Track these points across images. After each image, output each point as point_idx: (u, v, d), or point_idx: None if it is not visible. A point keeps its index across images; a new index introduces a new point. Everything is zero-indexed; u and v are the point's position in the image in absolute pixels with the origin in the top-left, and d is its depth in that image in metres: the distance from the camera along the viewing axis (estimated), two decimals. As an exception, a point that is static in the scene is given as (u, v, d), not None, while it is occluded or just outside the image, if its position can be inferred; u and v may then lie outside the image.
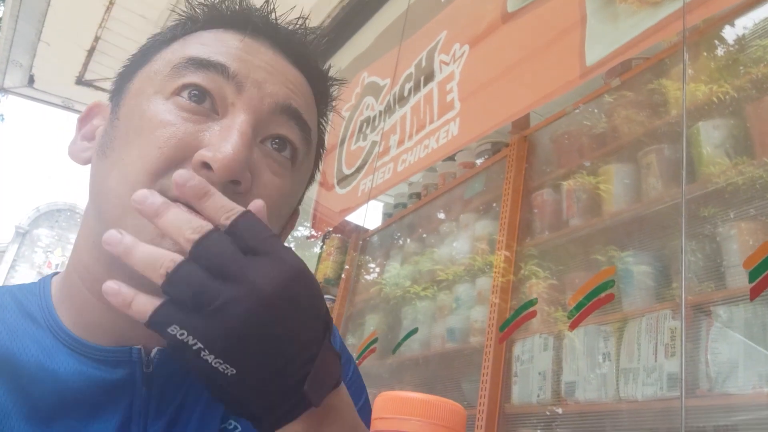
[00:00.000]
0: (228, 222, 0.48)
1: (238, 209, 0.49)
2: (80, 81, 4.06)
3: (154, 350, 0.61)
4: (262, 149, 0.60)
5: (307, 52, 0.67)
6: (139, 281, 0.57)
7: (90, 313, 0.61)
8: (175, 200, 0.53)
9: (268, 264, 0.46)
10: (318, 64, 0.69)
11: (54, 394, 0.57)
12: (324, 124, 0.73)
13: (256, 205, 0.51)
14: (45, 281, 0.66)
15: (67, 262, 0.65)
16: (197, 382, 0.49)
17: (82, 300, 0.61)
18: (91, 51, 3.74)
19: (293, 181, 0.64)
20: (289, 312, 0.46)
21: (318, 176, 3.07)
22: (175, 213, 0.48)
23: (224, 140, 0.55)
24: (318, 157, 0.74)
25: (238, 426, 0.64)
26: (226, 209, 0.48)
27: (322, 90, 0.69)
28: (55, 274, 0.68)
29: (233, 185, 0.56)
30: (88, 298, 0.61)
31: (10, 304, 0.62)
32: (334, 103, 0.74)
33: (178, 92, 0.58)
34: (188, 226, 0.47)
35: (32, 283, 0.67)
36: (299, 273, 0.47)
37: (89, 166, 0.64)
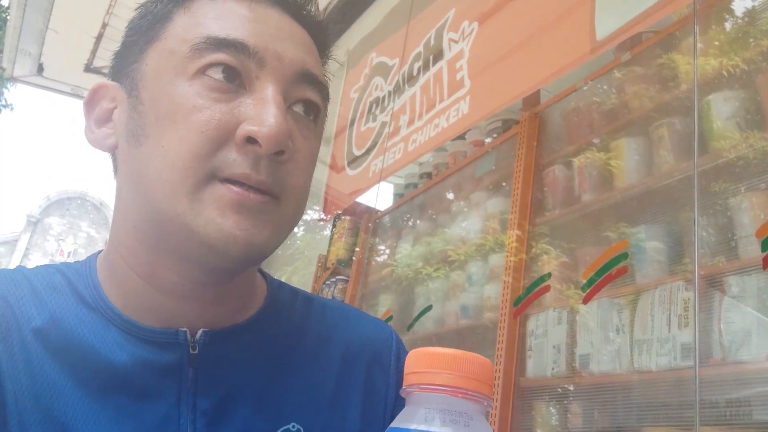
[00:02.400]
0: None
1: None
2: (89, 68, 4.08)
3: (199, 332, 0.62)
4: (292, 115, 0.62)
5: (307, 5, 0.67)
6: (181, 263, 0.59)
7: (137, 295, 0.62)
8: (225, 180, 0.56)
9: None
10: (317, 16, 0.69)
11: (105, 373, 0.59)
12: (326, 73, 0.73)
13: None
14: (90, 261, 0.67)
15: (107, 244, 0.66)
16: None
17: (128, 282, 0.62)
18: (99, 38, 3.75)
19: (317, 139, 0.66)
20: None
21: (327, 159, 3.05)
22: None
23: (263, 113, 0.57)
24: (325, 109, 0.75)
25: (301, 429, 0.64)
26: None
27: (322, 41, 0.70)
28: (99, 252, 0.68)
29: (277, 155, 0.58)
30: (134, 280, 0.62)
31: (62, 284, 0.64)
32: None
33: (202, 71, 0.58)
34: None
35: (78, 262, 0.67)
36: None
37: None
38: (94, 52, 3.91)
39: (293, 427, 0.64)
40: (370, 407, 0.70)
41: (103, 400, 0.58)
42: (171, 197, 0.56)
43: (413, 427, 0.41)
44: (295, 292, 0.76)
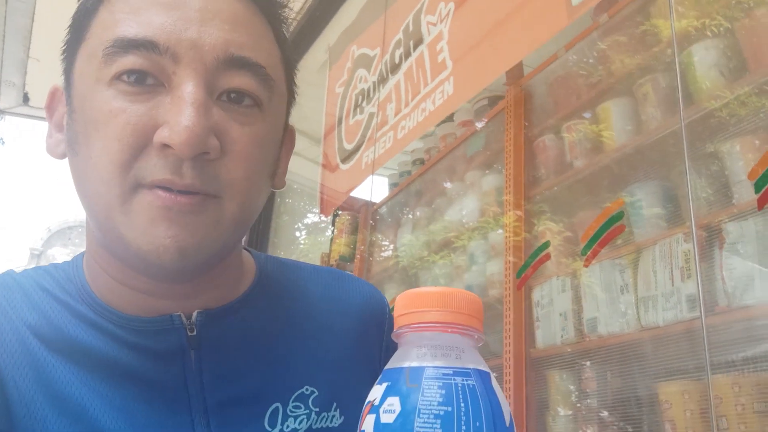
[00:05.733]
0: None
1: None
2: (74, 93, 4.07)
3: (195, 313, 0.62)
4: (222, 105, 0.57)
5: None
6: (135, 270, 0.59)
7: (120, 294, 0.62)
8: (151, 186, 0.54)
9: None
10: None
11: (107, 367, 0.59)
12: (285, 37, 0.65)
13: None
14: (77, 261, 0.66)
15: (86, 246, 0.66)
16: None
17: (109, 283, 0.62)
18: (81, 61, 3.75)
19: (266, 121, 0.60)
20: None
21: (320, 158, 3.03)
22: None
23: (177, 115, 0.53)
24: (290, 74, 0.67)
25: (315, 391, 0.65)
26: None
27: (272, 10, 0.63)
28: (83, 253, 0.68)
29: (203, 155, 0.54)
30: (111, 281, 0.62)
31: (51, 285, 0.64)
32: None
33: (117, 77, 0.55)
34: None
35: (65, 263, 0.67)
36: None
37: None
38: (77, 76, 3.91)
39: (307, 390, 0.65)
40: (372, 365, 0.71)
41: (108, 391, 0.58)
42: (105, 210, 0.55)
43: (406, 365, 0.41)
44: (283, 262, 0.76)
